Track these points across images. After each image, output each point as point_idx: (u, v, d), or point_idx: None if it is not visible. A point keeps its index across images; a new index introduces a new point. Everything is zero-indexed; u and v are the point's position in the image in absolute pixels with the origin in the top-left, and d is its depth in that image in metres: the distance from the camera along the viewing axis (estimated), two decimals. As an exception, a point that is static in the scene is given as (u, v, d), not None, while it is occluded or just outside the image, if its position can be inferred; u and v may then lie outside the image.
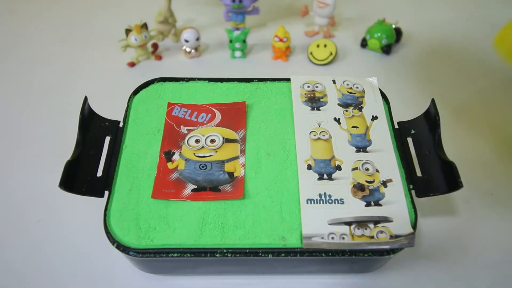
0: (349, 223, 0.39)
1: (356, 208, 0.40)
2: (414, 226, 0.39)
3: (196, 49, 0.74)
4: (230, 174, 0.43)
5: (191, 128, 0.46)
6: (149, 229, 0.39)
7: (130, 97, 0.50)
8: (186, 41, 0.72)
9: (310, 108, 0.48)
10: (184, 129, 0.46)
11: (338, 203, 0.40)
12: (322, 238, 0.38)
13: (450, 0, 0.91)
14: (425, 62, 0.76)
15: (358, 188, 0.42)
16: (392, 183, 0.42)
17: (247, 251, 0.38)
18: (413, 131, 0.47)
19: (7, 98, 0.67)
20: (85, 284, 0.46)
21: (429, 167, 0.43)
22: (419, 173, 0.44)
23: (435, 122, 0.44)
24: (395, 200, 0.41)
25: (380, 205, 0.40)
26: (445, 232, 0.51)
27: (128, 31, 0.69)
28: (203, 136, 0.45)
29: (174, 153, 0.44)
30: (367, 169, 0.43)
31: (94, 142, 0.44)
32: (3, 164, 0.58)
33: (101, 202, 0.42)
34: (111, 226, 0.39)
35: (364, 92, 0.50)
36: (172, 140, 0.45)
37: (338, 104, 0.49)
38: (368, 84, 0.51)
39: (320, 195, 0.41)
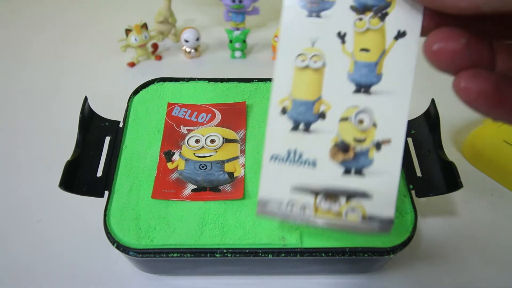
0: (316, 192, 0.30)
1: (330, 174, 0.30)
2: (414, 226, 0.39)
3: (196, 49, 0.74)
4: (230, 174, 0.43)
5: (191, 128, 0.46)
6: (149, 229, 0.39)
7: (130, 97, 0.50)
8: (186, 41, 0.72)
9: (307, 13, 0.30)
10: (184, 129, 0.46)
11: (308, 165, 0.30)
12: (280, 205, 0.30)
13: (450, 0, 0.91)
14: (425, 62, 0.76)
15: (340, 148, 0.30)
16: (389, 146, 0.30)
17: (247, 251, 0.38)
18: (413, 131, 0.47)
19: (7, 98, 0.67)
20: (85, 284, 0.46)
21: (429, 167, 0.43)
22: (419, 173, 0.44)
23: (435, 122, 0.44)
24: (385, 171, 0.30)
25: (362, 174, 0.30)
26: (445, 232, 0.51)
27: (128, 31, 0.69)
28: (203, 136, 0.45)
29: (174, 153, 0.44)
30: (360, 121, 0.30)
31: (94, 142, 0.44)
32: (4, 164, 0.58)
33: (101, 202, 0.41)
34: (111, 226, 0.39)
35: None
36: (172, 140, 0.45)
37: (351, 8, 0.30)
38: None
39: (288, 151, 0.30)
